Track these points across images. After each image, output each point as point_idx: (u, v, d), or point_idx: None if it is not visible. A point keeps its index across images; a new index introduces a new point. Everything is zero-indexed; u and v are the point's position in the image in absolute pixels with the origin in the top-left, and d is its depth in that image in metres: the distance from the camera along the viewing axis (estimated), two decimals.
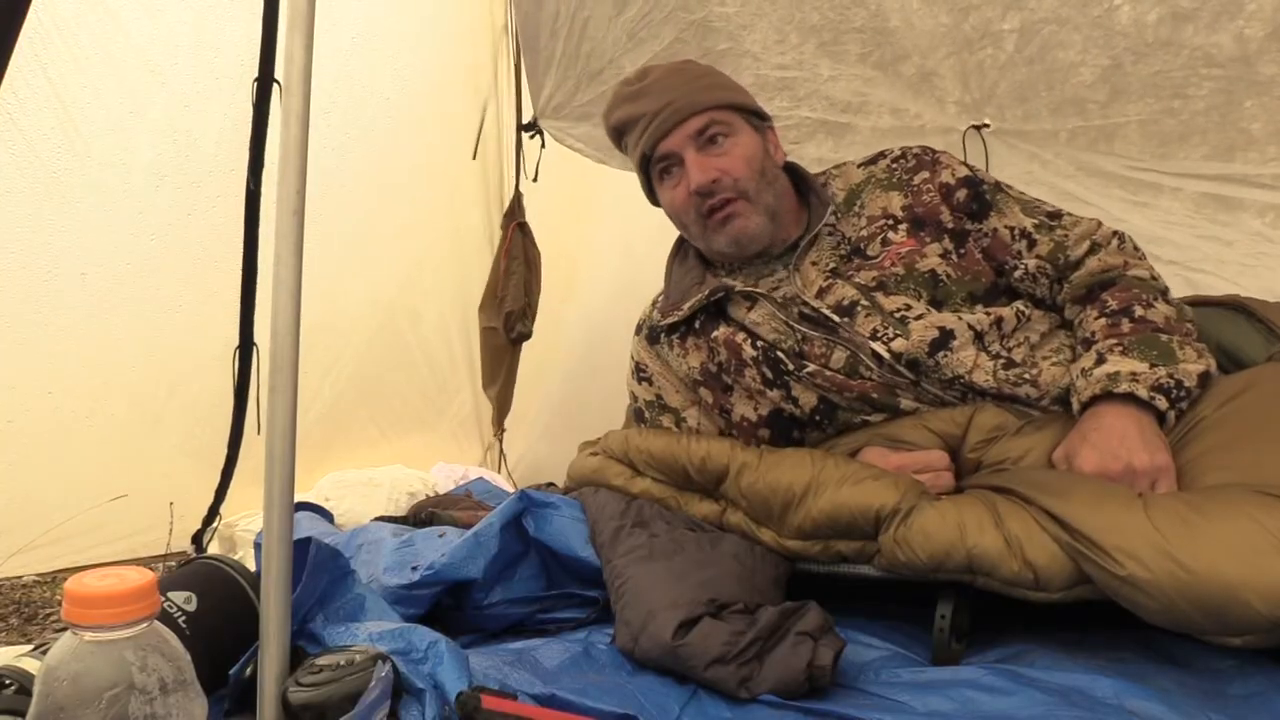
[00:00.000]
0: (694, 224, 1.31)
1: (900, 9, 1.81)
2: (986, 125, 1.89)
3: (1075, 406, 1.13)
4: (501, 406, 2.71)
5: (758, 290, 1.31)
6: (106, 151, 2.07)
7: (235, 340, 2.09)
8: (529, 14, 2.27)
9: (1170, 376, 1.09)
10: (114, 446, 2.22)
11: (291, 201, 0.83)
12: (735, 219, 1.27)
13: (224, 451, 2.23)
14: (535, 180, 2.56)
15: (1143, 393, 1.07)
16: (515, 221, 2.60)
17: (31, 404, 2.12)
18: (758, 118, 1.33)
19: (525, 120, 2.54)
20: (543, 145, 2.50)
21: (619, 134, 1.35)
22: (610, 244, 2.76)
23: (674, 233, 1.45)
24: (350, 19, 2.35)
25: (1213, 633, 0.87)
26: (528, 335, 2.59)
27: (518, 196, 2.64)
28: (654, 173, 1.32)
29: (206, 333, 2.20)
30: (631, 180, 1.44)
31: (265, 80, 1.90)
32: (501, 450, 3.10)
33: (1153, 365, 1.10)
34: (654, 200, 1.38)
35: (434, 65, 2.61)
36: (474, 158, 2.69)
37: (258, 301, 2.10)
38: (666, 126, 1.27)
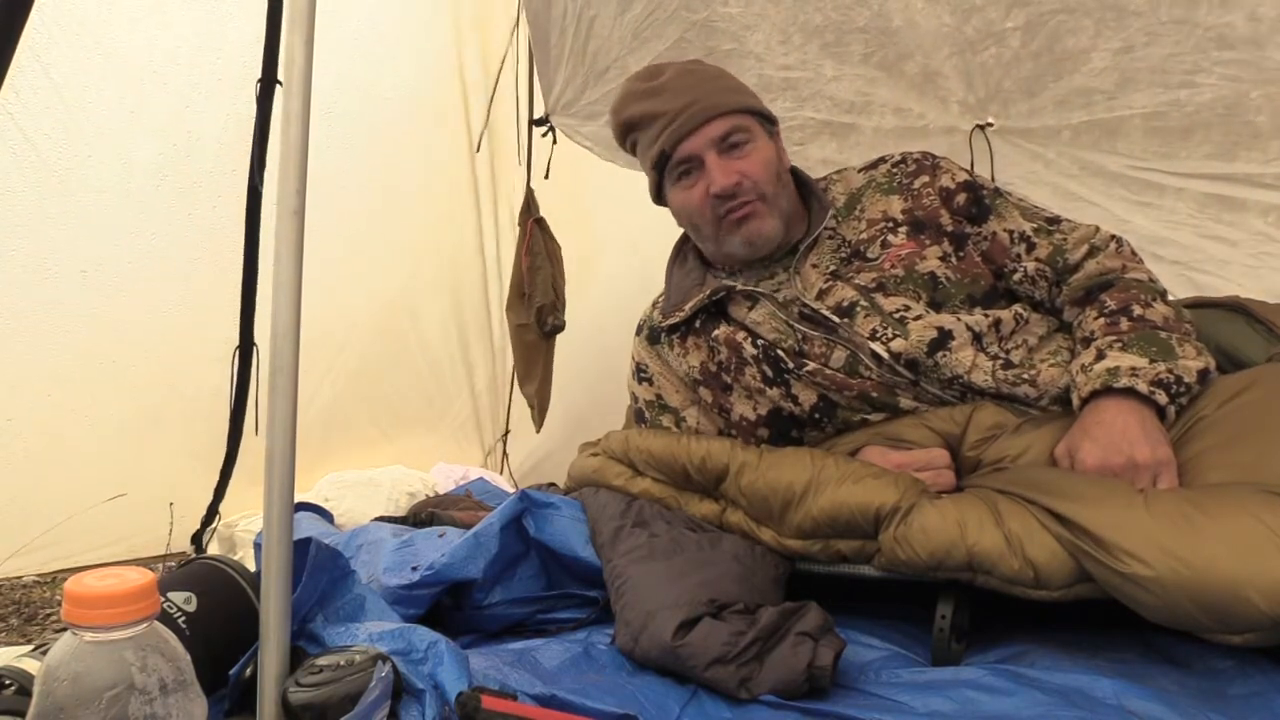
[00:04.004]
0: (708, 225, 1.30)
1: (904, 9, 1.80)
2: (990, 124, 1.89)
3: (1075, 402, 1.13)
4: (541, 404, 2.68)
5: (759, 290, 1.31)
6: (107, 151, 2.07)
7: (235, 340, 2.09)
8: (539, 11, 2.26)
9: (1170, 372, 1.09)
10: (114, 446, 2.22)
11: (291, 201, 0.83)
12: (752, 219, 1.27)
13: (223, 451, 2.23)
14: (546, 178, 2.53)
15: (1143, 387, 1.08)
16: (533, 218, 2.60)
17: (31, 403, 2.12)
18: (769, 122, 1.34)
19: (535, 116, 2.52)
20: (554, 142, 2.47)
21: (629, 129, 1.33)
22: (613, 245, 2.76)
23: (676, 233, 1.45)
24: (351, 19, 2.35)
25: (1214, 630, 0.87)
26: (561, 327, 2.58)
27: (530, 193, 2.64)
28: (670, 173, 1.31)
29: (206, 332, 2.20)
30: (635, 181, 1.44)
31: (269, 81, 1.90)
32: (505, 450, 3.10)
33: (1152, 361, 1.10)
34: (658, 199, 1.38)
35: (436, 65, 2.60)
36: (477, 150, 2.67)
37: (258, 302, 2.10)
38: (689, 127, 1.26)
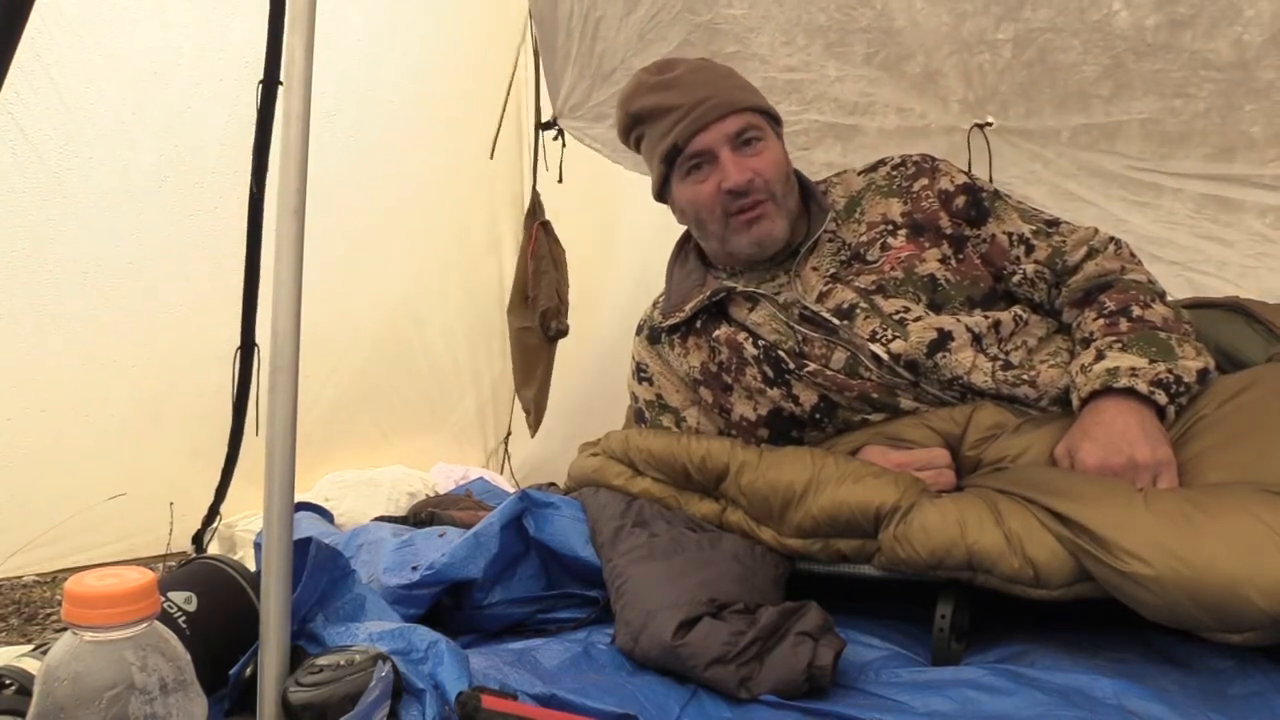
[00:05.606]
0: (715, 222, 1.29)
1: (906, 8, 1.80)
2: (989, 124, 1.89)
3: (1075, 402, 1.13)
4: (538, 409, 2.68)
5: (759, 292, 1.31)
6: (109, 152, 2.08)
7: (235, 341, 2.10)
8: (545, 13, 2.26)
9: (1169, 372, 1.09)
10: (114, 446, 2.23)
11: (291, 201, 0.84)
12: (762, 220, 1.27)
13: (224, 451, 2.23)
14: (560, 181, 2.52)
15: (1143, 387, 1.08)
16: (538, 221, 2.60)
17: (31, 403, 2.12)
18: (776, 122, 1.34)
19: (543, 119, 2.52)
20: (564, 145, 2.46)
21: (637, 122, 1.32)
22: (614, 247, 2.76)
23: (679, 235, 1.45)
24: (358, 21, 2.36)
25: (1213, 629, 0.87)
26: (565, 332, 2.58)
27: (536, 196, 2.64)
28: (679, 168, 1.30)
29: (206, 333, 2.21)
30: (639, 184, 1.43)
31: (270, 83, 1.90)
32: (507, 451, 3.10)
33: (1152, 361, 1.10)
34: (660, 195, 1.37)
35: (442, 67, 2.60)
36: (491, 157, 2.67)
37: (259, 303, 2.10)
38: (704, 122, 1.25)
